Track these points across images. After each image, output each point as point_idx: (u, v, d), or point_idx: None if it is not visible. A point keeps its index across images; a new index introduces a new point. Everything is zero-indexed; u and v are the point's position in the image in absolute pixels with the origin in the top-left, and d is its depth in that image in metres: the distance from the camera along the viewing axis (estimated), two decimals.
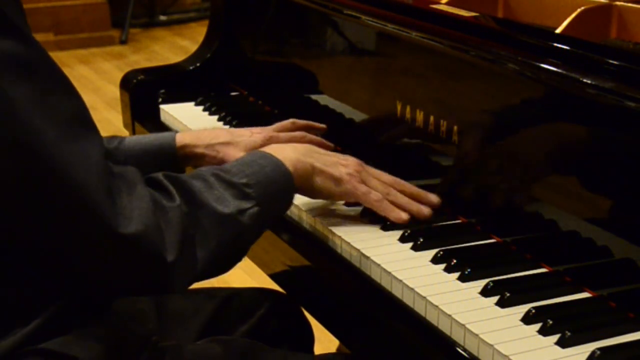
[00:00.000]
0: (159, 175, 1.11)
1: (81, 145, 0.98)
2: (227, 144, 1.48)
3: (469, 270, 1.17)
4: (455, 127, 1.35)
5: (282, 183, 1.21)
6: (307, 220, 1.37)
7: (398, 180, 1.36)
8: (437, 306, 1.10)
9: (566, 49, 1.22)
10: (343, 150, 1.62)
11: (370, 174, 1.33)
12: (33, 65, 0.97)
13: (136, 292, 1.17)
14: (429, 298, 1.12)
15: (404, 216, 1.30)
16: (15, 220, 0.99)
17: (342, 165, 1.30)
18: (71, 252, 1.01)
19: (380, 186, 1.32)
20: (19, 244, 1.02)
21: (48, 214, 0.98)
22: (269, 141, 1.51)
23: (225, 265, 1.16)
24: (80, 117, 1.00)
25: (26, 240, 1.01)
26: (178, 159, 1.46)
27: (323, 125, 1.59)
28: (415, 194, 1.35)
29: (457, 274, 1.18)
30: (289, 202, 1.25)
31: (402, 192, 1.34)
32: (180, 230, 1.05)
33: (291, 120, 1.56)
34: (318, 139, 1.56)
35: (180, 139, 1.47)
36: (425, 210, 1.32)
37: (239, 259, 1.16)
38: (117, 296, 1.14)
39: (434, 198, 1.36)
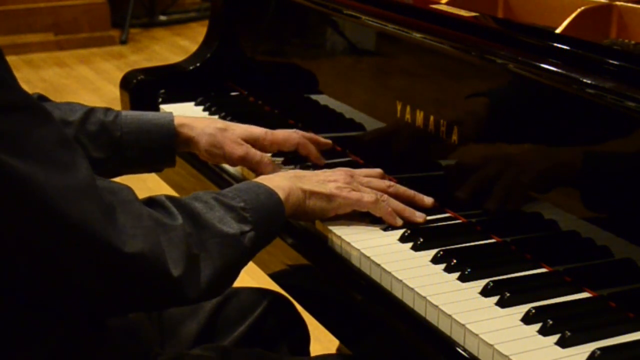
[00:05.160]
0: (161, 197, 1.11)
1: (70, 174, 0.96)
2: (223, 129, 1.49)
3: (469, 270, 1.17)
4: (455, 127, 1.35)
5: (274, 211, 1.21)
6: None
7: (391, 184, 1.36)
8: (437, 306, 1.10)
9: (566, 49, 1.22)
10: (342, 150, 1.62)
11: (361, 182, 1.34)
12: (8, 108, 0.93)
13: (148, 308, 1.17)
14: (429, 298, 1.12)
15: (398, 222, 1.31)
16: (20, 257, 0.97)
17: (330, 182, 1.31)
18: (79, 277, 1.00)
19: (372, 193, 1.32)
20: (23, 278, 1.00)
21: (52, 248, 0.97)
22: (265, 135, 1.51)
23: (224, 286, 1.16)
24: (62, 143, 0.97)
25: (31, 273, 0.99)
26: (175, 139, 1.46)
27: (329, 141, 1.59)
28: (409, 197, 1.36)
29: (457, 274, 1.18)
30: (279, 230, 1.25)
31: (396, 194, 1.35)
32: (184, 249, 1.05)
33: (294, 130, 1.57)
34: (313, 136, 1.56)
35: (179, 119, 1.48)
36: (419, 216, 1.33)
37: (232, 283, 1.17)
38: (127, 313, 1.13)
39: (427, 200, 1.37)
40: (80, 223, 0.95)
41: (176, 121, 1.47)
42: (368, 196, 1.31)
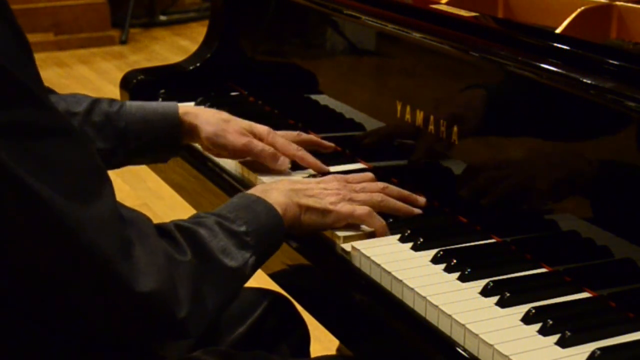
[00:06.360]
0: (170, 226, 1.09)
1: (93, 205, 0.95)
2: (227, 120, 1.50)
3: (469, 270, 1.17)
4: (455, 127, 1.35)
5: (275, 229, 1.21)
6: None
7: (385, 185, 1.36)
8: (437, 306, 1.10)
9: (566, 49, 1.22)
10: (342, 151, 1.62)
11: (354, 189, 1.33)
12: (45, 131, 0.92)
13: (147, 343, 1.16)
14: (429, 298, 1.12)
15: (387, 231, 1.30)
16: (28, 277, 0.97)
17: (325, 195, 1.30)
18: (84, 305, 0.99)
19: (368, 198, 1.32)
20: (30, 302, 1.00)
21: (63, 275, 0.96)
22: (267, 134, 1.51)
23: (222, 313, 1.16)
24: (91, 172, 0.97)
25: (39, 298, 0.99)
26: (179, 129, 1.47)
27: (331, 144, 1.59)
28: (404, 197, 1.37)
29: (457, 274, 1.18)
30: (278, 247, 1.24)
31: (391, 195, 1.35)
32: (191, 285, 1.05)
33: (297, 132, 1.57)
34: (313, 137, 1.56)
35: (184, 107, 1.49)
36: (417, 211, 1.35)
37: (231, 303, 1.17)
38: (125, 345, 1.13)
39: (421, 200, 1.38)
40: (95, 256, 0.95)
41: (180, 110, 1.48)
42: (360, 209, 1.29)
